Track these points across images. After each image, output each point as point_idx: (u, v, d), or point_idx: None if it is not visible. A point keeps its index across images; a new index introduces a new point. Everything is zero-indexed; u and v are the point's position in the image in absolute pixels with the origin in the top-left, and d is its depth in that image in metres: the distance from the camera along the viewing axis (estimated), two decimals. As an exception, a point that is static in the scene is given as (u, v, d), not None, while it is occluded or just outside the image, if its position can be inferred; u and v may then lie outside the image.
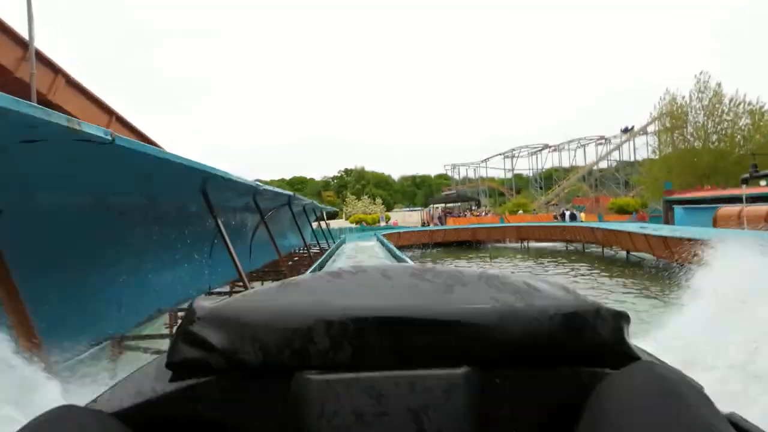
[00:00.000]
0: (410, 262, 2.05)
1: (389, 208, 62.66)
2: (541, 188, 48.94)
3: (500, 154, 52.13)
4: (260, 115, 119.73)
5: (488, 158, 53.05)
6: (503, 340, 0.48)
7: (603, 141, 48.56)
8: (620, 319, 0.52)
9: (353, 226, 34.32)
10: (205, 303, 0.53)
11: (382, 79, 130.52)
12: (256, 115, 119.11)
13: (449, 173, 54.65)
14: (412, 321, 0.48)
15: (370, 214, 40.75)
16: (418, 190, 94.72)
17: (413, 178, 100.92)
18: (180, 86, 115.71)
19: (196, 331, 0.50)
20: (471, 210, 42.25)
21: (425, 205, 60.87)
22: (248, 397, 0.49)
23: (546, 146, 49.80)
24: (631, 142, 46.39)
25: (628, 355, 0.51)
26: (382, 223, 38.09)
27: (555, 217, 27.47)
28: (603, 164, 48.49)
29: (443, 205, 47.29)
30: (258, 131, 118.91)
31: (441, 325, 0.48)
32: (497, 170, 53.77)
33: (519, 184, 53.07)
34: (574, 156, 50.21)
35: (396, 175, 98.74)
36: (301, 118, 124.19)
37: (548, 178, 50.76)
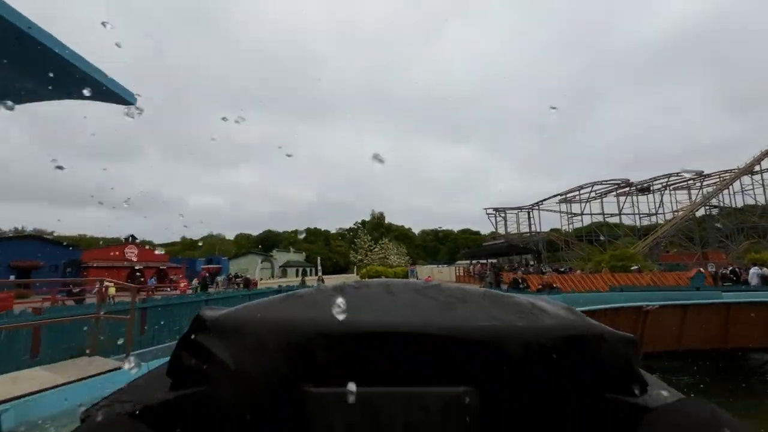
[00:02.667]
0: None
1: (412, 263, 51.60)
2: (616, 238, 36.79)
3: (558, 195, 41.18)
4: (280, 169, 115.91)
5: (543, 200, 42.13)
6: (503, 359, 0.48)
7: (697, 179, 37.16)
8: (627, 343, 0.51)
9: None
10: (209, 312, 0.54)
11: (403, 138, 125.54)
12: (279, 170, 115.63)
13: (491, 221, 43.42)
14: (412, 337, 0.48)
15: (392, 267, 28.52)
16: (441, 245, 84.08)
17: (435, 232, 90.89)
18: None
19: (198, 339, 0.50)
20: (529, 265, 30.53)
21: (452, 259, 49.51)
22: (247, 410, 0.48)
23: (626, 183, 38.40)
24: (738, 182, 34.94)
25: (636, 380, 0.50)
26: (413, 279, 26.49)
27: (718, 278, 15.47)
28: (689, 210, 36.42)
29: (485, 260, 35.94)
30: (280, 185, 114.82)
31: (440, 342, 0.48)
32: (553, 213, 42.34)
33: (566, 236, 41.00)
34: (660, 199, 38.59)
35: (416, 230, 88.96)
36: (320, 173, 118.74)
37: (590, 233, 38.56)
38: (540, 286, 12.56)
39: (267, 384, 0.48)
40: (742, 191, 35.60)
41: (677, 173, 37.11)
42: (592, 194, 39.19)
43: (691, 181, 37.81)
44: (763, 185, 34.23)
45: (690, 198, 37.81)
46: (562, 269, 23.49)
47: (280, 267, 43.04)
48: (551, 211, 42.28)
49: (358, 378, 0.47)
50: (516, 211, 43.63)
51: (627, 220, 39.43)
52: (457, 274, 37.66)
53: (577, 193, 39.90)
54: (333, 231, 76.59)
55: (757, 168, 34.26)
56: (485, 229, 48.05)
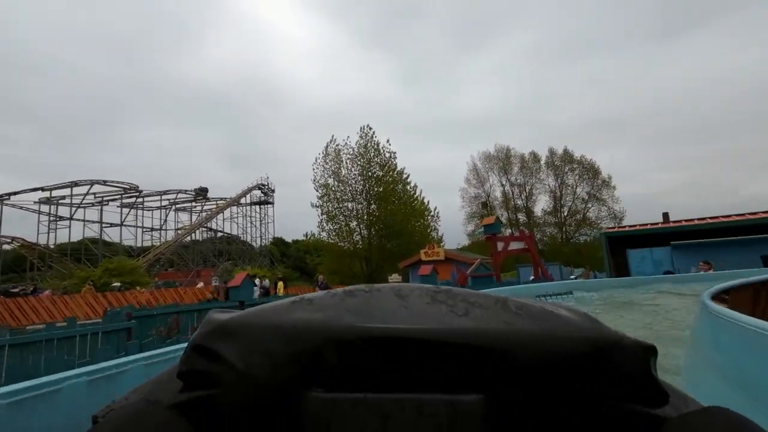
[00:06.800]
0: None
1: None
2: (114, 254, 31.70)
3: (41, 189, 30.29)
4: None
5: (14, 193, 29.40)
6: (515, 367, 0.46)
7: (199, 202, 39.80)
8: (647, 351, 0.49)
9: None
10: (218, 315, 0.54)
11: None
12: None
13: None
14: (422, 343, 0.48)
15: None
16: None
17: None
18: None
19: (207, 343, 0.50)
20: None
21: None
22: (256, 413, 0.47)
23: (134, 189, 33.94)
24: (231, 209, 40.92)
25: (656, 390, 0.48)
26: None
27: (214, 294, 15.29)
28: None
29: None
30: None
31: (451, 348, 0.47)
32: (32, 213, 30.58)
33: (46, 250, 31.78)
34: (166, 216, 37.50)
35: None
36: None
37: (82, 248, 33.23)
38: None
39: (276, 388, 0.47)
40: (231, 218, 41.86)
41: (185, 191, 38.30)
42: (90, 197, 32.22)
43: (194, 203, 40.21)
44: (243, 215, 42.08)
45: (191, 219, 39.91)
46: (19, 290, 15.81)
47: None
48: (29, 210, 30.66)
49: (367, 384, 0.46)
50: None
51: (128, 234, 35.51)
52: None
53: (69, 192, 31.32)
54: None
55: (243, 200, 41.76)
56: None
